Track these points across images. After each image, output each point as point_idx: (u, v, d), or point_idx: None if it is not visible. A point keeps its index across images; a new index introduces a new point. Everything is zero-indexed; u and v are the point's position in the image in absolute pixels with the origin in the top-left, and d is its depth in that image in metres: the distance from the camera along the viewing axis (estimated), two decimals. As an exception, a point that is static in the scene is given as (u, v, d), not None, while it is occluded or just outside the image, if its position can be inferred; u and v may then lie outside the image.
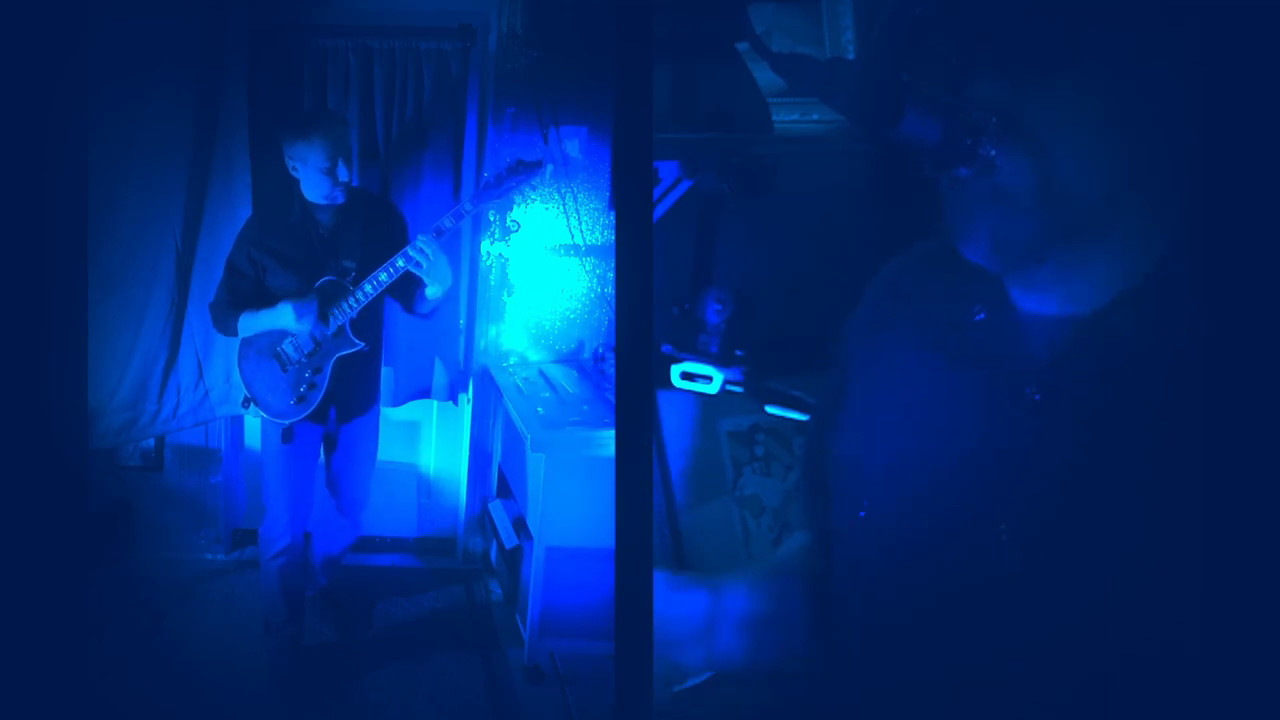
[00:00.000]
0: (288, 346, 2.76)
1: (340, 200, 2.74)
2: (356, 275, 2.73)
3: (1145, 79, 0.79)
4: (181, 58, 3.04)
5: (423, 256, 2.63)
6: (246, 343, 2.82)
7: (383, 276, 2.69)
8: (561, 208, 3.25)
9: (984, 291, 0.92)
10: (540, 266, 3.33)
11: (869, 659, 0.97)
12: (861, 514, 0.95)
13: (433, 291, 2.70)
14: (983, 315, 0.92)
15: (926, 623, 0.90)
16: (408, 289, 2.76)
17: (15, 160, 1.48)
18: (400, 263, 2.66)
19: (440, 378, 3.42)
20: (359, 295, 2.71)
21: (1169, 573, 0.79)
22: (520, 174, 2.76)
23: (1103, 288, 0.86)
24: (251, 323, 2.76)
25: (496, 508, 3.25)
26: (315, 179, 2.70)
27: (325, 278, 2.74)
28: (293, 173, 2.72)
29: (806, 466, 1.15)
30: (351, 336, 2.76)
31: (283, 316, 2.71)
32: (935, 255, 1.01)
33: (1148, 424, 0.80)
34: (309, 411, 2.78)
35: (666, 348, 2.07)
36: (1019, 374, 0.87)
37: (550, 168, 3.18)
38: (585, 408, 2.93)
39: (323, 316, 2.71)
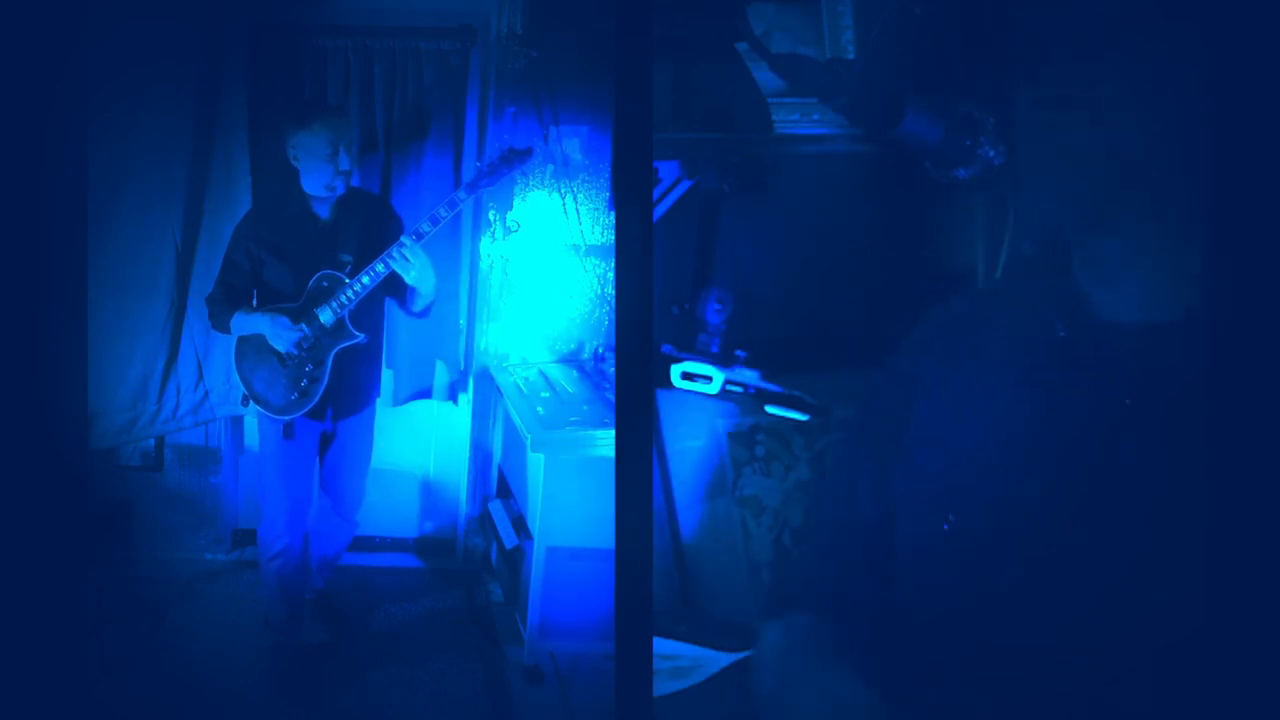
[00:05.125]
0: None
1: (340, 191, 2.75)
2: (354, 269, 2.74)
3: (1148, 76, 0.79)
4: (181, 57, 3.04)
5: (404, 257, 2.66)
6: (244, 339, 2.82)
7: (379, 267, 2.70)
8: (561, 208, 3.25)
9: (1062, 309, 0.96)
10: (540, 266, 3.32)
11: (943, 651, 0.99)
12: (946, 526, 0.98)
13: (422, 292, 2.74)
14: (1063, 332, 0.95)
15: (1011, 615, 0.92)
16: (401, 287, 2.77)
17: (15, 160, 1.48)
18: (392, 259, 2.68)
19: (440, 378, 3.41)
20: (356, 288, 2.72)
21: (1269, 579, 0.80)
22: (512, 162, 2.80)
23: (1181, 283, 0.87)
24: (242, 324, 2.78)
25: (496, 508, 3.25)
26: (316, 167, 2.70)
27: (322, 271, 2.74)
28: (293, 163, 2.73)
29: (844, 486, 1.15)
30: (351, 329, 2.76)
31: (261, 325, 2.74)
32: (1002, 293, 1.07)
33: (1241, 427, 0.82)
34: (311, 405, 2.77)
35: (666, 348, 2.07)
36: (1108, 382, 0.90)
37: (551, 167, 3.19)
38: (585, 408, 2.92)
39: (314, 317, 2.73)
